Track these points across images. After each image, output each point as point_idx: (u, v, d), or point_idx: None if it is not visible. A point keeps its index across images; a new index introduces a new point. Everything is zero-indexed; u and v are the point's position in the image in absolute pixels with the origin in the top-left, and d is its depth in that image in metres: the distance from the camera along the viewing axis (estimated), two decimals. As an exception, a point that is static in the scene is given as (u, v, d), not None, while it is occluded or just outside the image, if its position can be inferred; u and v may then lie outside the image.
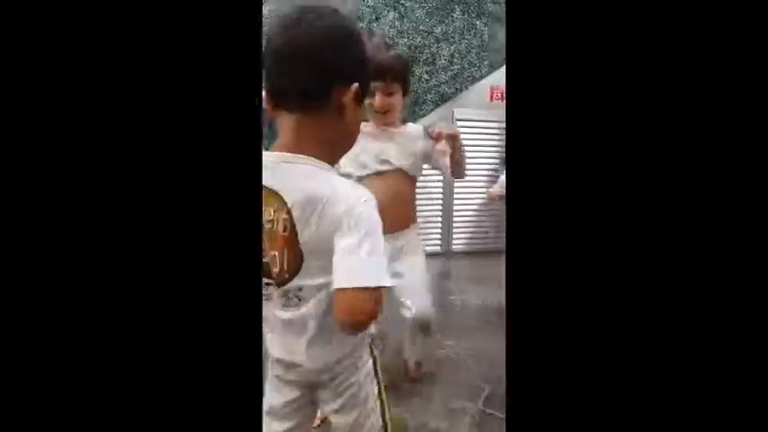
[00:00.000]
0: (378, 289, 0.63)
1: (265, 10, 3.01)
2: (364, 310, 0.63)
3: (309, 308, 0.73)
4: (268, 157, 0.69)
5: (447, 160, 1.38)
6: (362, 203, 0.65)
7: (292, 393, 0.83)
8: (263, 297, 0.77)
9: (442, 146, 1.35)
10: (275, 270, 0.72)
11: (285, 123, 0.70)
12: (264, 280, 0.75)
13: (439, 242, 3.29)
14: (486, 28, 3.17)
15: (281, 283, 0.73)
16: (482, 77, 3.20)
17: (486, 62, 3.21)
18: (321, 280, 0.70)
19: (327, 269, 0.66)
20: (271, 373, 0.85)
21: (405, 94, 1.33)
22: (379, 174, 1.34)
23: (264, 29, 0.65)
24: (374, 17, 3.11)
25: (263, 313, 0.79)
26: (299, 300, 0.73)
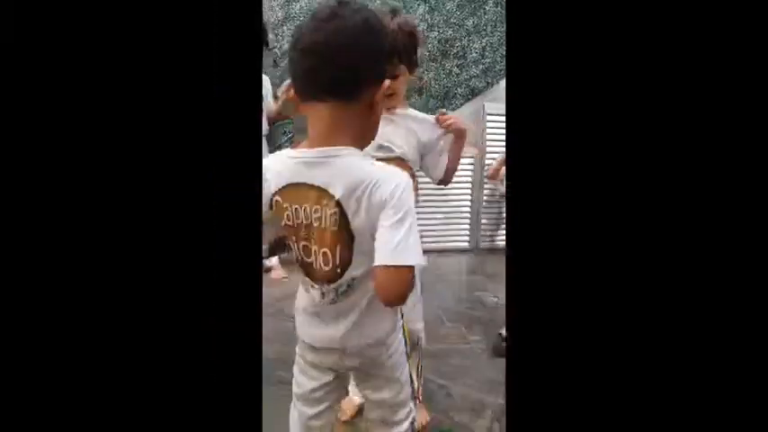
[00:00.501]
0: (413, 267, 0.66)
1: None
2: (403, 286, 0.67)
3: (356, 297, 0.76)
4: (305, 154, 0.70)
5: (445, 159, 1.22)
6: (404, 185, 0.67)
7: (325, 377, 0.86)
8: (311, 296, 0.79)
9: (445, 143, 1.20)
10: (326, 268, 0.74)
11: (316, 115, 0.70)
12: (309, 281, 0.78)
13: (467, 238, 3.25)
14: (520, 19, 3.09)
15: (331, 279, 0.75)
16: (514, 70, 3.13)
17: (518, 54, 3.13)
18: (371, 266, 0.71)
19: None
20: (302, 359, 0.87)
21: (411, 72, 1.16)
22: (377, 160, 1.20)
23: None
24: (405, 11, 3.08)
25: (303, 305, 0.82)
26: (350, 289, 0.75)
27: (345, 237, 0.71)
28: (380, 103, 0.71)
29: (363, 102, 0.69)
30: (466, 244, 3.24)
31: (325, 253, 0.73)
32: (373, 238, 0.68)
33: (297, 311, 0.85)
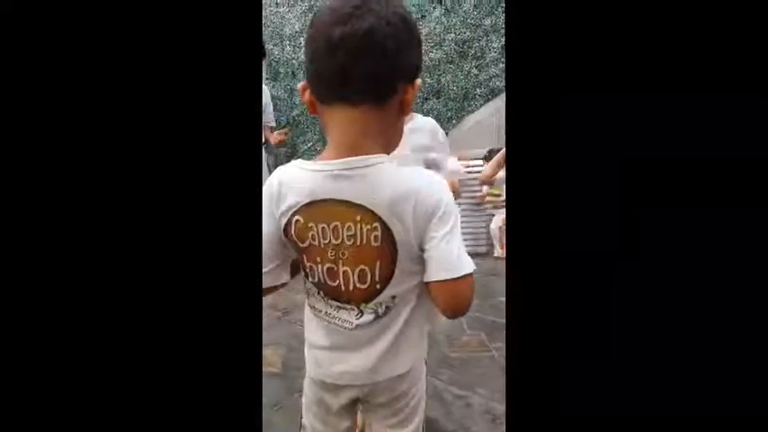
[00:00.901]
0: (471, 274, 0.65)
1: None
2: (468, 297, 0.66)
3: (393, 316, 0.69)
4: (329, 165, 0.63)
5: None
6: (446, 190, 0.64)
7: (343, 424, 0.79)
8: (337, 322, 0.71)
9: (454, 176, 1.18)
10: (363, 286, 0.67)
11: (342, 119, 0.63)
12: (336, 303, 0.70)
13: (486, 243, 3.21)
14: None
15: (369, 297, 0.68)
16: (534, 70, 3.08)
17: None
18: (412, 283, 0.68)
19: (417, 272, 0.66)
20: (317, 406, 0.79)
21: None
22: None
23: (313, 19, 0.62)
24: (420, 15, 3.06)
25: (321, 341, 0.73)
26: (388, 309, 0.69)
27: (388, 251, 0.64)
28: (412, 103, 0.65)
29: (394, 104, 0.63)
30: (484, 248, 3.20)
31: (362, 270, 0.66)
32: (420, 249, 0.64)
33: (310, 349, 0.76)
